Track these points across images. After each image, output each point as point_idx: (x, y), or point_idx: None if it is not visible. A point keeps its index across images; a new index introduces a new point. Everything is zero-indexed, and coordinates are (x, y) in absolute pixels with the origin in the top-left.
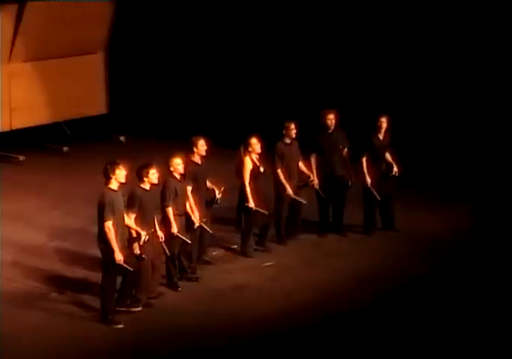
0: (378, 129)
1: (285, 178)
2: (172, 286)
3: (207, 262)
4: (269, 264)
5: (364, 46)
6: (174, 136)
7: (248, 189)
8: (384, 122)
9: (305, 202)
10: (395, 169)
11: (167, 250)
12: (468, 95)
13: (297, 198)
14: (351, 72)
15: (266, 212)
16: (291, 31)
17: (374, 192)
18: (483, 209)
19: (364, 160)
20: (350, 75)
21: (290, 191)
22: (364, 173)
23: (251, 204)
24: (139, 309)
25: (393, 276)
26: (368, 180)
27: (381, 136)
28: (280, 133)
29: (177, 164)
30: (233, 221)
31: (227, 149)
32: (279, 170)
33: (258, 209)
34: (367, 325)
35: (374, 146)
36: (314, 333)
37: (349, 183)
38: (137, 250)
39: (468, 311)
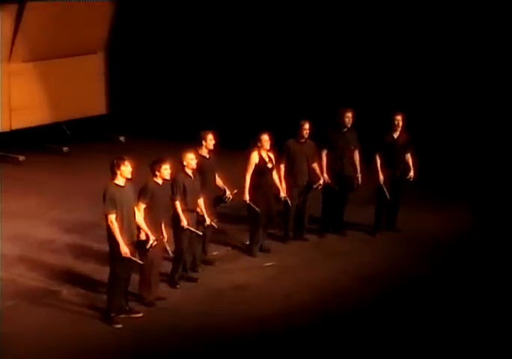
0: (394, 127)
1: (290, 175)
2: (172, 282)
3: (207, 262)
4: (269, 264)
5: (375, 46)
6: (174, 136)
7: (247, 182)
8: (400, 120)
9: (290, 205)
10: (411, 174)
11: (169, 250)
12: (468, 95)
13: (286, 197)
14: (355, 72)
15: (258, 210)
16: (302, 29)
17: (385, 190)
18: (483, 208)
19: (377, 158)
20: (353, 75)
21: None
22: (377, 170)
23: (246, 197)
24: (140, 315)
25: (393, 276)
26: (381, 177)
27: (395, 135)
28: (292, 132)
29: (191, 159)
30: (236, 218)
31: (227, 149)
32: (281, 166)
33: (251, 203)
34: (368, 325)
35: (387, 145)
36: (314, 333)
37: (355, 185)
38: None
39: (468, 311)
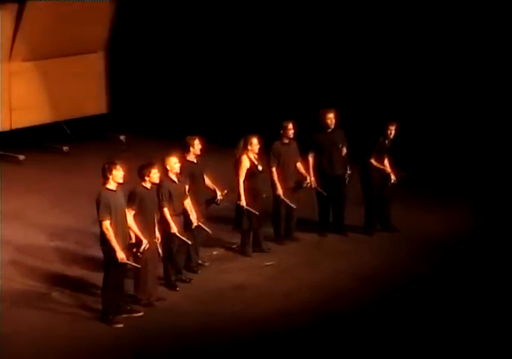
0: (387, 135)
1: (280, 178)
2: (170, 286)
3: (200, 264)
4: (269, 264)
5: (363, 46)
6: (174, 135)
7: (241, 187)
8: (393, 130)
9: (294, 206)
10: (393, 177)
11: (160, 251)
12: (468, 94)
13: (286, 200)
14: (349, 71)
15: (257, 213)
16: (292, 31)
17: (396, 177)
18: (483, 208)
19: (372, 160)
20: (348, 74)
21: (280, 191)
22: (378, 166)
23: (243, 203)
24: (141, 314)
25: (393, 276)
26: (388, 169)
27: (387, 141)
28: (278, 132)
29: (174, 163)
30: (232, 219)
31: (227, 148)
32: (273, 169)
33: (249, 208)
34: (367, 325)
35: (380, 149)
36: (314, 333)
37: (346, 181)
38: (135, 250)
39: (468, 311)
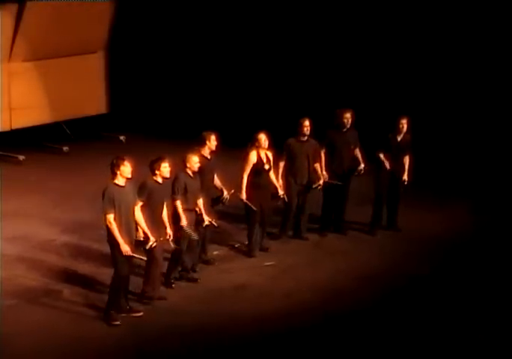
0: (398, 130)
1: (287, 173)
2: (167, 283)
3: (207, 262)
4: (269, 263)
5: (374, 45)
6: (174, 135)
7: (244, 181)
8: (404, 123)
9: (277, 203)
10: (405, 177)
11: (173, 245)
12: (468, 94)
13: (276, 198)
14: (358, 70)
15: (255, 209)
16: (303, 28)
17: (402, 175)
18: (483, 207)
19: (381, 155)
20: (356, 73)
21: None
22: (384, 161)
23: (243, 196)
24: (140, 314)
25: (393, 276)
26: (387, 165)
27: (399, 137)
28: (293, 131)
29: (195, 162)
30: (236, 218)
31: (230, 148)
32: (281, 164)
33: (248, 202)
34: (368, 325)
35: (391, 146)
36: (314, 333)
37: (358, 168)
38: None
39: (469, 311)
